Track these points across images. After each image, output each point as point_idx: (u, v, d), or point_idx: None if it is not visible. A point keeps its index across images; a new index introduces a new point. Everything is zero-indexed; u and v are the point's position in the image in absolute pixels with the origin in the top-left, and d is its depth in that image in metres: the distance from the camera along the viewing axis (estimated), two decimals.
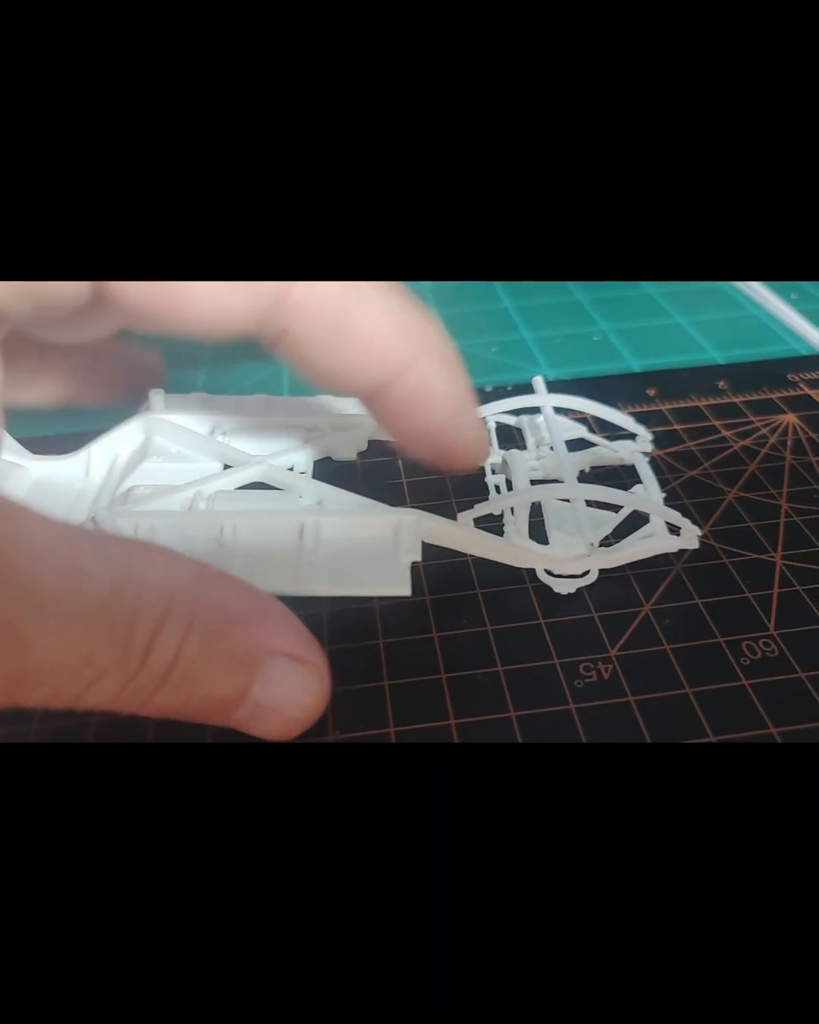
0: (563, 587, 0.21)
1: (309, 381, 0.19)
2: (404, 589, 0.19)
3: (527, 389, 0.27)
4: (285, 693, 0.17)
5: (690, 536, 0.22)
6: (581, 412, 0.25)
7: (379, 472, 0.27)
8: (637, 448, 0.25)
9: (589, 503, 0.22)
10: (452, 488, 0.26)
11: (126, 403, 0.26)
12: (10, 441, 0.23)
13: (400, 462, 0.27)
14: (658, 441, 0.28)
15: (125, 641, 0.15)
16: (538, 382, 0.25)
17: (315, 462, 0.24)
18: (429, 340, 0.18)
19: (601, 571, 0.22)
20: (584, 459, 0.25)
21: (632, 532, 0.22)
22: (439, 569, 0.23)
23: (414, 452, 0.20)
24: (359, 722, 0.19)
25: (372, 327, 0.17)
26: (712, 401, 0.30)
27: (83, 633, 0.14)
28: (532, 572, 0.22)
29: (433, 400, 0.19)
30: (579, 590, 0.22)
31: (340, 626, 0.21)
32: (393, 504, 0.25)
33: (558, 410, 0.25)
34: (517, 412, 0.26)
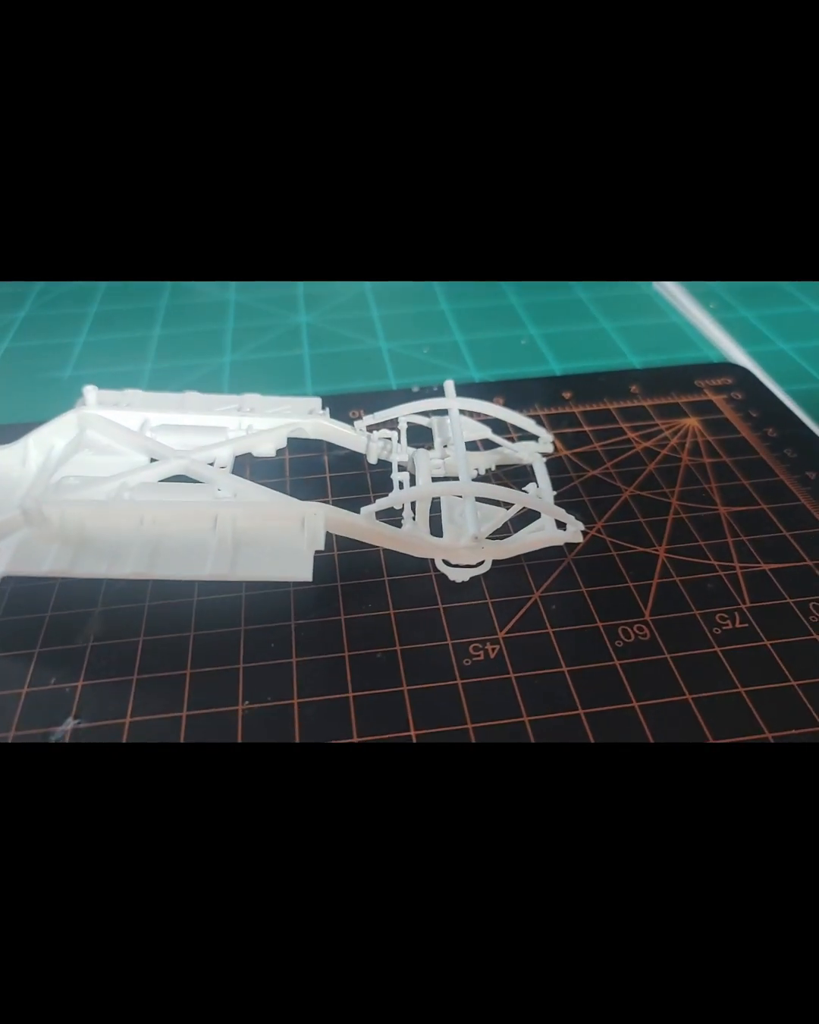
0: (457, 576, 0.23)
1: None
2: (306, 575, 0.21)
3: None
4: None
5: (574, 531, 0.24)
6: (488, 414, 0.27)
7: (304, 467, 0.29)
8: (537, 449, 0.27)
9: (484, 500, 0.24)
10: (370, 483, 0.28)
11: None
12: None
13: (325, 458, 0.29)
14: (566, 442, 0.30)
15: None
16: (448, 385, 0.27)
17: (239, 457, 0.26)
18: None
19: (497, 562, 0.24)
20: (489, 458, 0.27)
21: (525, 526, 0.24)
22: (352, 558, 0.25)
23: None
24: (267, 695, 0.21)
25: None
26: (622, 404, 0.32)
27: None
28: (435, 562, 0.24)
29: None
30: (477, 578, 0.24)
31: (256, 608, 0.23)
32: (315, 496, 0.27)
33: (468, 412, 0.27)
34: (430, 413, 0.27)
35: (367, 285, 0.43)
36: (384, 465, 0.28)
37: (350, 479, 0.28)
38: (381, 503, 0.23)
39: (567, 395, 0.33)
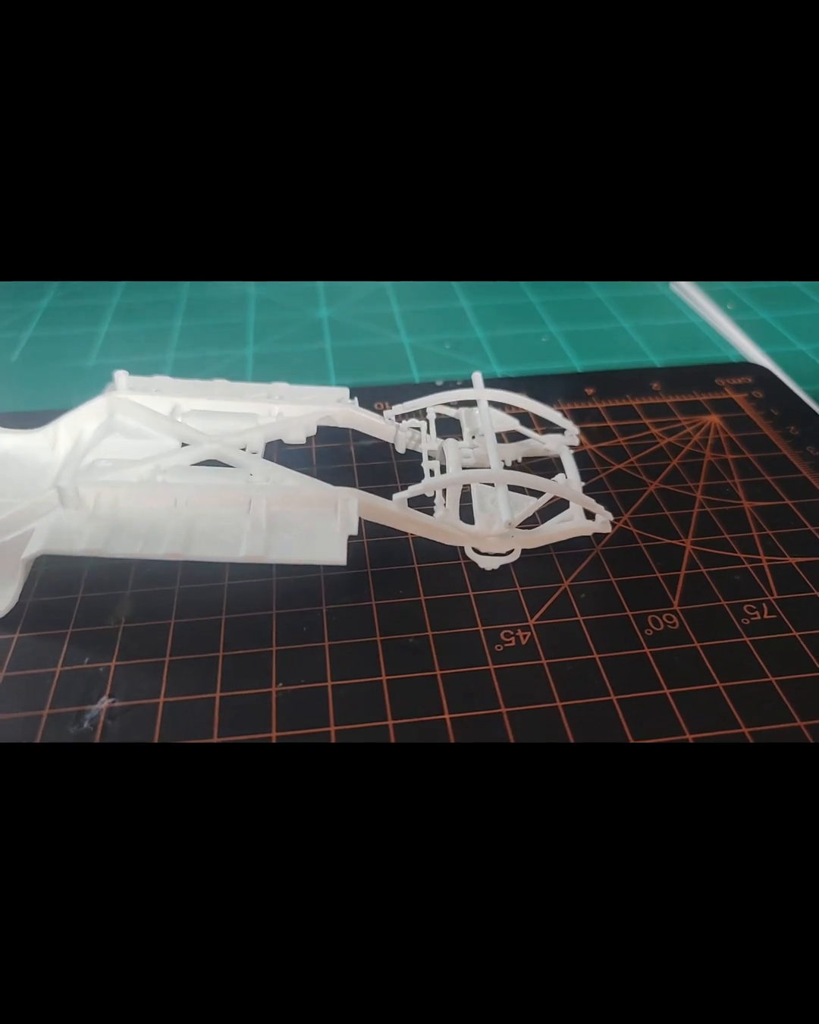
0: (487, 563, 0.23)
1: None
2: (340, 558, 0.21)
3: None
4: None
5: (603, 521, 0.24)
6: (516, 407, 0.27)
7: (331, 456, 0.29)
8: (564, 441, 0.27)
9: (514, 489, 0.24)
10: (397, 473, 0.28)
11: None
12: None
13: (351, 448, 0.29)
14: (591, 436, 0.30)
15: None
16: (476, 377, 0.27)
17: (267, 444, 0.26)
18: None
19: (526, 551, 0.24)
20: (517, 450, 0.27)
21: (552, 518, 0.24)
22: (381, 545, 0.25)
23: None
24: (301, 677, 0.21)
25: None
26: (645, 401, 0.32)
27: None
28: (464, 550, 0.24)
29: None
30: (506, 567, 0.24)
31: (287, 593, 0.23)
32: (341, 485, 0.27)
33: (495, 404, 0.27)
34: (457, 405, 0.28)
35: (388, 284, 0.43)
36: (412, 455, 0.28)
37: (377, 469, 0.28)
38: (414, 489, 0.23)
39: (590, 391, 0.33)
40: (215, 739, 0.19)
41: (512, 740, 0.19)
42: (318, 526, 0.22)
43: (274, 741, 0.19)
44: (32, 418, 0.28)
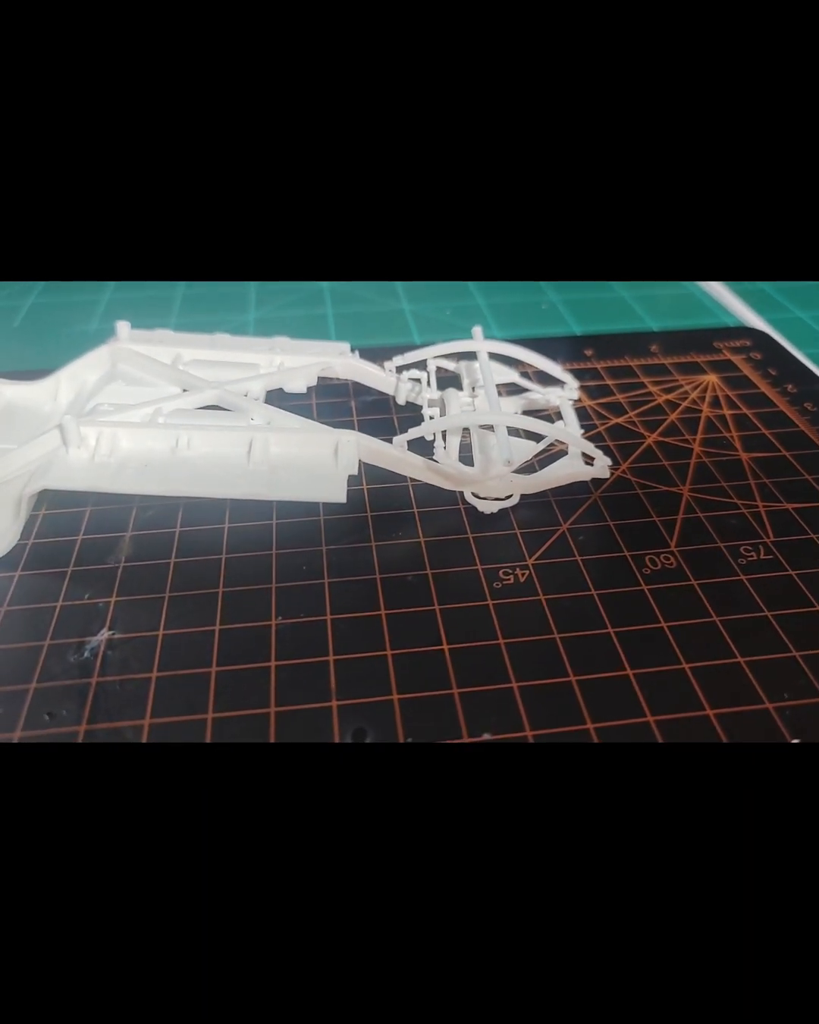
0: (486, 507, 0.24)
1: None
2: (340, 497, 0.21)
3: None
4: None
5: (602, 466, 0.24)
6: (517, 363, 0.28)
7: (332, 411, 0.29)
8: (564, 395, 0.27)
9: (514, 434, 0.24)
10: (397, 426, 0.28)
11: None
12: None
13: (352, 403, 0.30)
14: (590, 393, 0.30)
15: None
16: (477, 331, 0.28)
17: (268, 397, 0.26)
18: None
19: (524, 496, 0.24)
20: (517, 403, 0.28)
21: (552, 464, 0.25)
22: (381, 492, 0.25)
23: None
24: (300, 611, 0.21)
25: None
26: (643, 361, 0.33)
27: None
28: (464, 495, 0.24)
29: None
30: (505, 511, 0.24)
31: (287, 534, 0.24)
32: None
33: (495, 358, 0.28)
34: (457, 359, 0.28)
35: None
36: (412, 409, 0.28)
37: (378, 423, 0.28)
38: (413, 432, 0.23)
39: (589, 352, 0.33)
40: (214, 667, 0.20)
41: (511, 670, 0.20)
42: (318, 467, 0.22)
43: (274, 668, 0.20)
44: (35, 376, 0.28)
